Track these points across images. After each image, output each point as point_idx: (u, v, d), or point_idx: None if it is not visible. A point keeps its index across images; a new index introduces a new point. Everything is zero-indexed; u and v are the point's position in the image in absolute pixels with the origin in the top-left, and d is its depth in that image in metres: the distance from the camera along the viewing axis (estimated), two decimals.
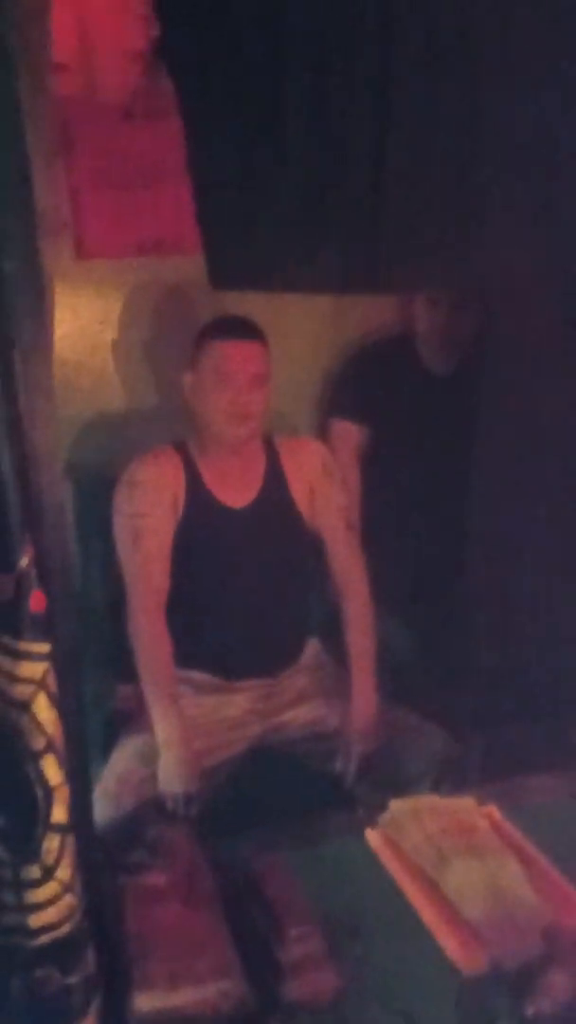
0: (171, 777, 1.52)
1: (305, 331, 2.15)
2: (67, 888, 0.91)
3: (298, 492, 1.72)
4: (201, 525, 1.66)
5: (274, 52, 1.18)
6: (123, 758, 1.59)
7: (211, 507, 1.67)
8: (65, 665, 0.92)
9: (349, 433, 2.08)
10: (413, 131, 1.20)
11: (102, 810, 1.47)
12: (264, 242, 1.26)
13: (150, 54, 1.85)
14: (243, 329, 1.64)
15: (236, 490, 1.69)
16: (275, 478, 1.72)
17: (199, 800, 1.51)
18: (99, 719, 1.80)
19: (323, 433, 2.11)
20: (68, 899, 0.92)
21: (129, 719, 1.69)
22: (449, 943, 1.05)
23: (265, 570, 1.68)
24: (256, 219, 1.26)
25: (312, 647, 1.80)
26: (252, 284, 1.37)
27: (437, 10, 1.17)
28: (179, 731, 1.55)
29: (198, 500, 1.66)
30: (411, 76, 1.19)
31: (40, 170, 0.95)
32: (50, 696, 0.90)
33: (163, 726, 1.55)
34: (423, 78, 1.19)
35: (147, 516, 1.63)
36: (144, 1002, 0.96)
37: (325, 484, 1.75)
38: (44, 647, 0.90)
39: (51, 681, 0.90)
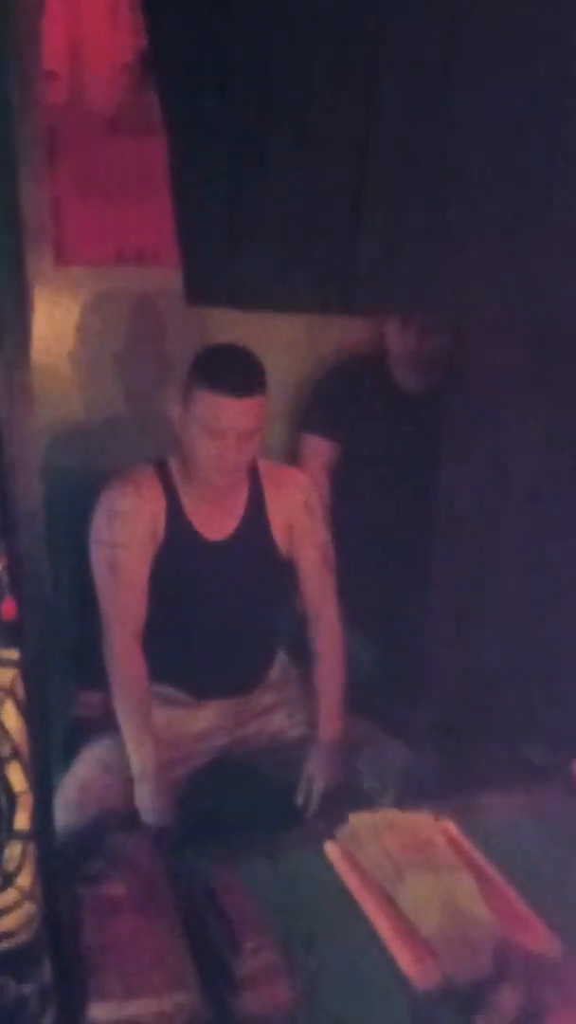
0: (147, 809, 1.51)
1: (280, 346, 2.17)
2: (27, 896, 0.91)
3: (277, 525, 1.69)
4: (179, 556, 1.62)
5: (259, 72, 1.20)
6: (85, 766, 1.58)
7: (190, 539, 1.63)
8: (33, 672, 0.93)
9: (320, 448, 2.10)
10: (393, 157, 1.23)
11: (63, 818, 1.46)
12: (241, 260, 1.27)
13: (139, 67, 1.87)
14: (240, 383, 1.50)
15: (216, 521, 1.65)
16: (256, 511, 1.68)
17: (171, 819, 1.52)
18: (60, 726, 1.79)
19: (294, 447, 2.13)
20: (27, 907, 0.91)
21: (91, 726, 1.69)
22: (403, 958, 1.06)
23: (238, 598, 1.67)
24: (234, 237, 1.27)
25: (280, 660, 1.81)
26: (227, 302, 1.37)
27: (421, 38, 1.19)
28: (153, 762, 1.54)
29: (178, 531, 1.62)
30: (393, 103, 1.21)
31: (27, 177, 0.95)
32: (17, 703, 0.90)
33: (138, 757, 1.54)
34: (405, 105, 1.22)
35: (126, 547, 1.58)
36: (99, 1013, 0.95)
37: (305, 519, 1.71)
38: (13, 654, 0.90)
39: (19, 688, 0.90)
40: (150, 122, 1.83)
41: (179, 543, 1.63)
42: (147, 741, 1.55)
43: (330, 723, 1.67)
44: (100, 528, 1.60)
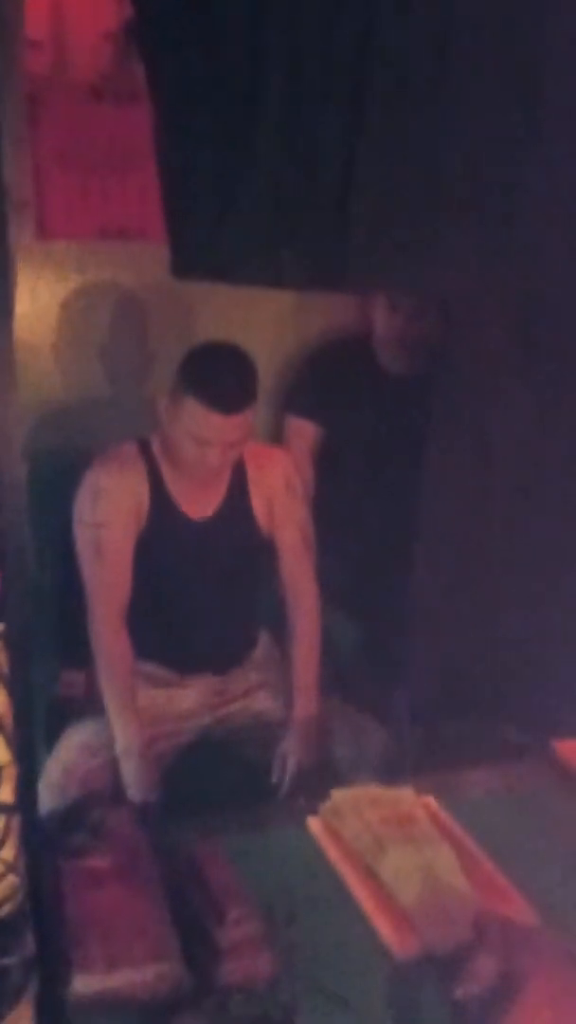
0: (131, 785, 1.53)
1: (266, 328, 2.17)
2: (10, 868, 0.91)
3: (258, 504, 1.70)
4: (163, 535, 1.63)
5: (248, 43, 1.18)
6: (69, 750, 1.58)
7: (174, 517, 1.64)
8: (16, 645, 0.92)
9: (304, 431, 2.11)
10: (384, 132, 1.22)
11: (47, 801, 1.47)
12: (228, 234, 1.26)
13: (123, 36, 1.84)
14: (230, 398, 1.48)
15: (199, 500, 1.66)
16: (238, 490, 1.69)
17: (158, 805, 1.53)
18: (42, 705, 1.79)
19: (279, 429, 2.13)
20: (10, 879, 0.91)
21: (74, 706, 1.69)
22: (384, 928, 1.08)
23: (220, 577, 1.69)
24: (222, 211, 1.26)
25: (262, 643, 1.82)
26: (213, 275, 1.36)
27: (413, 17, 1.18)
28: (138, 739, 1.55)
29: (161, 510, 1.63)
30: (385, 77, 1.20)
31: (7, 145, 0.94)
32: (1, 676, 0.90)
33: (122, 735, 1.55)
34: (396, 80, 1.21)
35: (110, 526, 1.59)
36: (82, 984, 0.96)
37: (286, 499, 1.73)
38: None
39: (3, 660, 0.90)
40: (135, 92, 1.82)
41: (163, 521, 1.63)
42: (132, 719, 1.56)
43: (304, 702, 1.69)
44: (84, 508, 1.60)
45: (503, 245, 1.31)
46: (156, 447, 1.64)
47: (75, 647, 1.70)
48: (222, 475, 1.67)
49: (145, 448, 1.64)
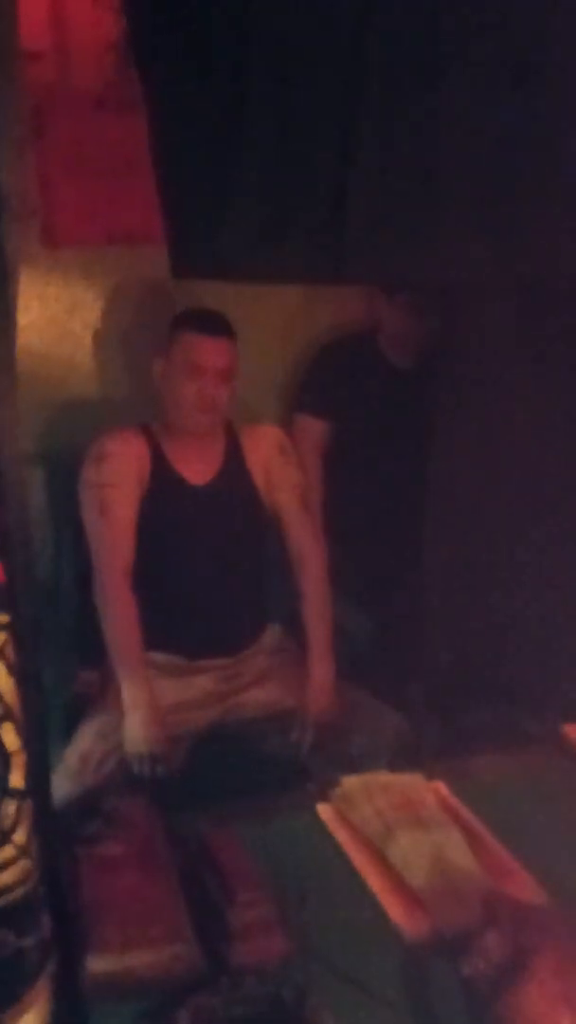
0: (136, 738, 1.57)
1: (273, 326, 2.19)
2: (23, 852, 0.93)
3: (255, 470, 1.79)
4: (165, 500, 1.71)
5: (240, 41, 1.20)
6: (85, 737, 1.62)
7: (174, 483, 1.72)
8: (25, 636, 0.95)
9: (312, 428, 2.12)
10: (379, 124, 1.23)
11: (64, 788, 1.51)
12: (227, 232, 1.28)
13: (124, 45, 1.87)
14: (214, 324, 1.69)
15: (198, 467, 1.75)
16: (234, 457, 1.78)
17: (165, 763, 1.56)
18: (60, 703, 1.82)
19: (288, 428, 2.14)
20: (24, 863, 0.94)
21: (90, 702, 1.72)
22: (394, 910, 1.09)
23: (224, 546, 1.74)
24: (219, 209, 1.28)
25: (273, 630, 1.84)
26: (213, 275, 1.39)
27: (407, 7, 1.20)
28: (145, 693, 1.60)
29: (162, 475, 1.72)
30: (378, 70, 1.22)
31: (9, 156, 0.97)
32: (8, 665, 0.92)
33: (129, 688, 1.60)
34: (390, 72, 1.22)
35: (114, 487, 1.68)
36: (97, 964, 0.98)
37: (280, 463, 1.81)
38: (4, 617, 0.92)
39: (10, 651, 0.93)
40: (137, 100, 1.84)
41: (164, 486, 1.71)
42: (138, 672, 1.62)
43: (320, 662, 1.73)
44: (89, 471, 1.70)
45: (502, 234, 1.32)
46: (155, 429, 1.76)
47: (91, 646, 1.73)
48: (217, 442, 1.77)
49: (145, 428, 1.77)
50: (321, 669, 1.73)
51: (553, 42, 1.23)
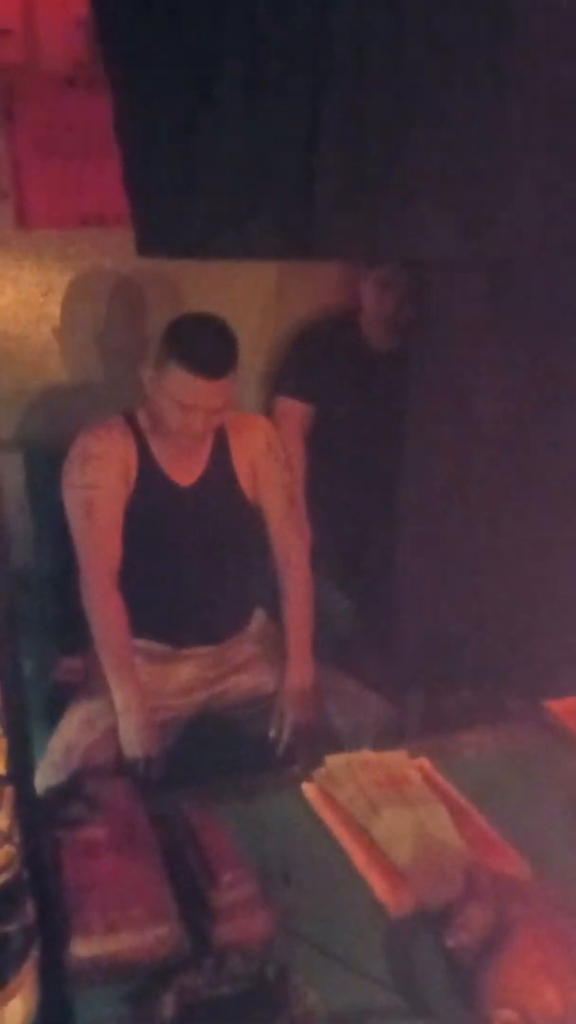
0: (131, 742, 1.56)
1: (251, 309, 2.17)
2: (5, 838, 0.93)
3: (241, 470, 1.73)
4: (151, 500, 1.66)
5: (207, 19, 1.18)
6: (70, 727, 1.61)
7: (160, 483, 1.67)
8: (2, 624, 0.94)
9: (293, 411, 2.11)
10: (347, 97, 1.21)
11: (49, 777, 1.50)
12: (193, 209, 1.26)
13: (93, 22, 1.83)
14: (211, 364, 1.51)
15: (184, 467, 1.69)
16: (221, 456, 1.72)
17: (159, 762, 1.55)
18: (43, 691, 1.81)
19: (268, 410, 2.14)
20: (6, 849, 0.93)
21: (74, 690, 1.71)
22: (378, 886, 1.10)
23: (210, 543, 1.71)
24: (185, 186, 1.26)
25: (258, 616, 1.84)
26: (180, 252, 1.36)
27: None
28: (136, 697, 1.58)
29: (148, 475, 1.66)
30: (346, 43, 1.20)
31: None
32: None
33: (121, 693, 1.58)
34: (358, 45, 1.20)
35: (100, 488, 1.62)
36: (82, 948, 0.98)
37: (267, 462, 1.75)
38: None
39: None
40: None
41: (150, 486, 1.66)
42: (129, 676, 1.59)
43: (299, 663, 1.72)
44: (73, 473, 1.64)
45: (472, 210, 1.31)
46: (142, 420, 1.68)
47: (74, 634, 1.72)
48: (205, 442, 1.70)
49: (131, 420, 1.69)
50: (299, 671, 1.71)
51: (519, 21, 1.22)
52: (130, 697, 1.58)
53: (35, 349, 2.04)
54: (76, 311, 2.05)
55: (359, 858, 1.14)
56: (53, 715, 1.68)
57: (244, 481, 1.73)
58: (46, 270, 2.01)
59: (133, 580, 1.65)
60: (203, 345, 1.53)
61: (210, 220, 1.22)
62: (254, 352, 2.19)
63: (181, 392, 1.53)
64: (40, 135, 1.91)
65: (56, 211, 1.95)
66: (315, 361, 2.12)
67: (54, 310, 2.03)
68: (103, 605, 1.62)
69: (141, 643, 1.69)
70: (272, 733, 1.67)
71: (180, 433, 1.60)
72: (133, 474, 1.65)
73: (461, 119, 1.25)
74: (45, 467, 1.77)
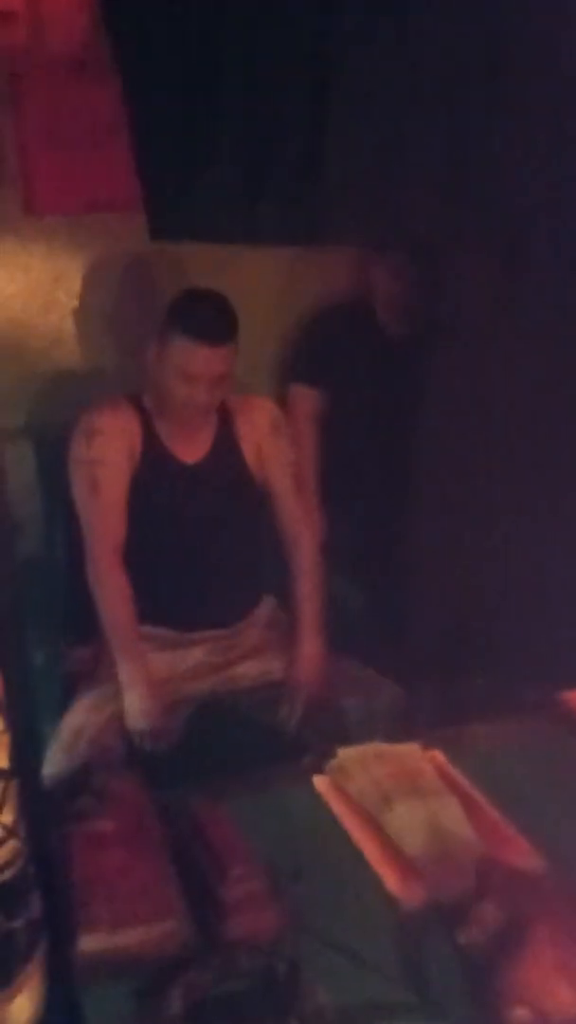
0: (136, 714, 1.56)
1: (262, 296, 2.15)
2: (11, 832, 0.92)
3: (247, 449, 1.74)
4: (156, 477, 1.67)
5: (213, 4, 1.16)
6: (79, 711, 1.62)
7: (166, 460, 1.68)
8: (5, 614, 0.93)
9: (306, 398, 2.10)
10: (353, 82, 1.20)
11: (58, 762, 1.51)
12: (201, 195, 1.25)
13: (99, 4, 1.81)
14: (213, 330, 1.55)
15: (189, 445, 1.70)
16: (226, 435, 1.73)
17: (166, 737, 1.56)
18: (52, 681, 1.81)
19: (281, 398, 2.11)
20: (12, 844, 0.93)
21: (83, 679, 1.71)
22: (390, 880, 1.08)
23: (217, 523, 1.71)
24: (195, 171, 1.25)
25: (267, 603, 1.83)
26: (189, 236, 1.36)
27: None
28: (142, 670, 1.59)
29: (154, 452, 1.67)
30: (351, 27, 1.18)
31: None
32: None
33: (126, 667, 1.59)
34: (364, 28, 1.18)
35: (105, 463, 1.64)
36: (89, 943, 0.97)
37: (273, 441, 1.76)
38: None
39: None
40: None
41: (155, 464, 1.67)
42: (134, 649, 1.60)
43: (309, 637, 1.71)
44: (79, 447, 1.65)
45: (477, 192, 1.28)
46: (146, 402, 1.70)
47: (82, 623, 1.72)
48: (209, 420, 1.71)
49: (135, 400, 1.71)
50: (309, 644, 1.71)
51: (524, 2, 1.19)
52: (135, 670, 1.58)
53: (45, 337, 2.03)
54: (86, 298, 2.03)
55: (371, 851, 1.13)
56: (64, 705, 1.68)
57: (250, 459, 1.74)
58: (55, 257, 2.00)
59: (140, 560, 1.65)
60: (204, 314, 1.58)
61: (217, 206, 1.21)
62: (266, 339, 2.17)
63: (185, 361, 1.56)
64: (48, 121, 1.89)
65: (64, 197, 1.93)
66: (327, 347, 2.10)
67: (64, 297, 2.02)
68: (108, 579, 1.63)
69: (149, 630, 1.69)
70: (283, 712, 1.66)
71: (185, 407, 1.61)
72: (138, 450, 1.66)
73: (466, 102, 1.23)
74: (54, 456, 1.77)
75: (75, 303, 2.03)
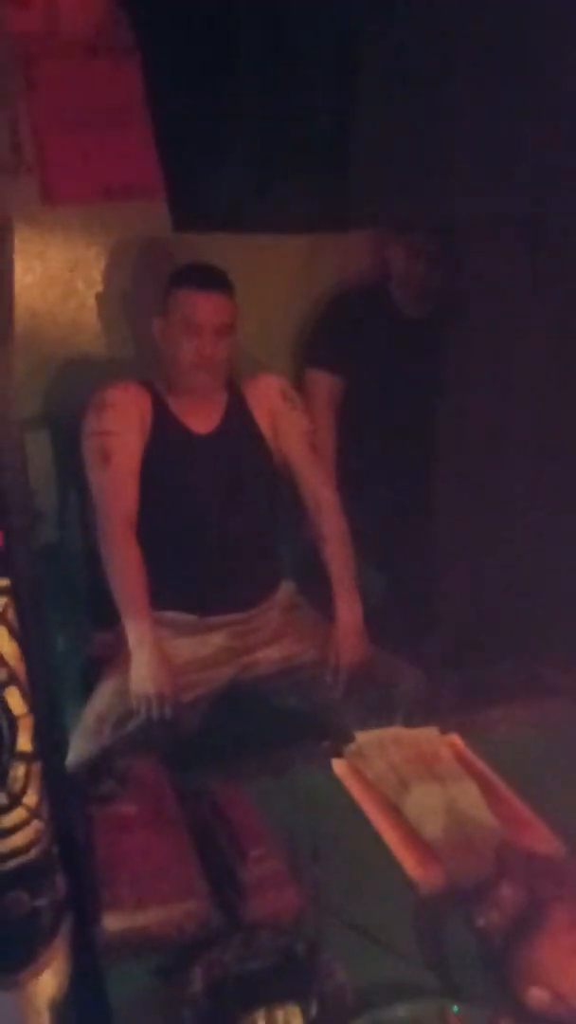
0: (142, 677, 1.56)
1: (278, 281, 2.14)
2: (34, 814, 0.94)
3: (261, 418, 1.77)
4: (168, 449, 1.70)
5: None
6: (103, 697, 1.63)
7: (177, 431, 1.71)
8: (26, 599, 0.94)
9: (324, 383, 2.09)
10: (378, 65, 1.18)
11: (82, 746, 1.52)
12: (227, 184, 1.25)
13: None
14: (211, 279, 1.67)
15: (201, 417, 1.73)
16: (237, 405, 1.76)
17: (174, 704, 1.56)
18: (77, 666, 1.83)
19: (299, 384, 2.11)
20: (36, 824, 0.94)
21: (107, 664, 1.72)
22: (408, 863, 1.09)
23: (233, 497, 1.72)
24: (219, 160, 1.24)
25: (287, 587, 1.83)
26: (215, 226, 1.35)
27: None
28: (150, 634, 1.60)
29: (164, 423, 1.71)
30: (377, 13, 1.16)
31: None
32: (10, 629, 0.91)
33: (134, 631, 1.60)
34: (389, 16, 1.17)
35: (116, 434, 1.66)
36: (112, 922, 0.99)
37: (286, 409, 1.79)
38: (4, 581, 0.91)
39: (11, 615, 0.92)
40: (130, 46, 1.77)
41: (167, 435, 1.70)
42: (142, 614, 1.61)
43: (347, 603, 1.72)
44: (91, 420, 1.69)
45: (506, 172, 1.27)
46: (157, 384, 1.75)
47: (105, 609, 1.73)
48: (219, 394, 1.75)
49: (146, 382, 1.76)
50: (348, 611, 1.71)
51: None
52: (143, 635, 1.59)
53: (63, 325, 2.03)
54: (103, 286, 2.04)
55: (389, 834, 1.14)
56: (88, 690, 1.70)
57: (264, 428, 1.77)
58: (73, 245, 2.00)
59: (155, 539, 1.66)
60: (198, 268, 1.71)
61: (243, 195, 1.20)
62: (283, 323, 2.17)
63: (187, 310, 1.65)
64: (62, 106, 1.88)
65: (81, 185, 1.93)
66: (345, 331, 2.09)
67: (82, 285, 2.02)
68: (118, 549, 1.64)
69: (167, 615, 1.70)
70: (328, 678, 1.67)
71: (194, 368, 1.66)
72: (149, 422, 1.70)
73: (494, 82, 1.21)
74: (72, 443, 1.78)
75: (93, 291, 2.03)
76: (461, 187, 1.27)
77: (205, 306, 1.65)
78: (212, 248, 2.00)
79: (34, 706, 0.94)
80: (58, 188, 1.92)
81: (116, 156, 1.93)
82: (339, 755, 1.29)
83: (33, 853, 0.94)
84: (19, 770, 0.92)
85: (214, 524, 1.71)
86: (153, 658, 1.58)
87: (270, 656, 1.73)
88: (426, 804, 1.15)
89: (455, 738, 1.31)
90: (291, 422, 1.78)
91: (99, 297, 2.04)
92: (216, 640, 1.72)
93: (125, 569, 1.63)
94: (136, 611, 1.61)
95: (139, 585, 1.63)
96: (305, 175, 1.24)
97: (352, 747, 1.30)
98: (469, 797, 1.16)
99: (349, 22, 1.17)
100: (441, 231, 1.93)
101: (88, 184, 1.94)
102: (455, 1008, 0.88)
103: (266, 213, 1.28)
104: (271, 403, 1.78)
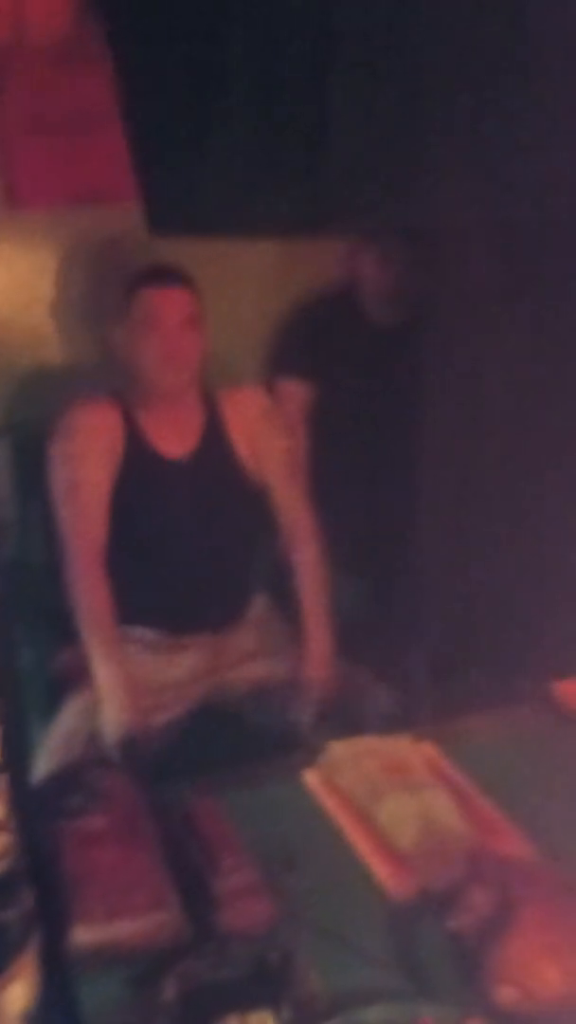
0: (112, 722, 1.52)
1: (248, 287, 2.13)
2: (2, 826, 0.92)
3: (239, 440, 1.70)
4: (140, 476, 1.63)
5: None
6: (68, 716, 1.59)
7: (150, 457, 1.64)
8: None
9: (295, 392, 2.08)
10: (355, 69, 1.18)
11: (46, 766, 1.48)
12: (202, 187, 1.24)
13: None
14: (171, 276, 1.64)
15: (175, 439, 1.67)
16: (215, 427, 1.69)
17: (143, 747, 1.52)
18: (42, 681, 1.79)
19: (269, 390, 2.10)
20: (3, 837, 0.93)
21: (73, 680, 1.69)
22: (380, 870, 1.09)
23: (206, 521, 1.67)
24: (193, 163, 1.23)
25: (259, 603, 1.80)
26: (190, 231, 1.34)
27: None
28: (120, 678, 1.55)
29: (136, 449, 1.64)
30: (355, 10, 1.17)
31: None
32: None
33: (103, 673, 1.55)
34: (367, 12, 1.17)
35: (84, 464, 1.60)
36: (82, 935, 0.97)
37: (266, 428, 1.73)
38: None
39: None
40: (99, 53, 1.76)
41: (139, 461, 1.64)
42: (112, 657, 1.56)
43: (317, 634, 1.68)
44: (57, 448, 1.63)
45: (485, 177, 1.27)
46: (127, 396, 1.69)
47: (70, 623, 1.70)
48: (195, 413, 1.68)
49: (116, 396, 1.69)
50: (319, 641, 1.68)
51: None
52: (112, 677, 1.54)
53: (28, 332, 2.01)
54: (70, 293, 2.02)
55: (361, 844, 1.13)
56: (52, 705, 1.67)
57: (243, 451, 1.70)
58: (39, 251, 1.98)
59: (125, 561, 1.62)
60: (155, 269, 1.67)
61: (218, 199, 1.19)
62: (251, 330, 2.16)
63: (147, 307, 1.61)
64: (29, 112, 1.87)
65: (47, 190, 1.92)
66: (315, 339, 2.08)
67: (47, 291, 2.00)
68: (85, 584, 1.59)
69: (137, 631, 1.67)
70: (292, 715, 1.62)
71: (162, 371, 1.60)
72: (120, 448, 1.63)
73: (474, 83, 1.21)
74: (37, 454, 1.75)
75: (59, 298, 2.02)
76: (440, 193, 1.28)
77: (164, 301, 1.62)
78: (180, 252, 2.01)
79: (1, 719, 0.92)
80: (24, 194, 1.91)
81: (83, 162, 1.92)
82: (312, 765, 1.29)
83: (1, 866, 0.93)
84: None
85: (185, 550, 1.66)
86: (124, 705, 1.53)
87: (243, 675, 1.70)
88: (399, 813, 1.15)
89: (428, 746, 1.31)
90: (271, 441, 1.73)
91: (66, 304, 2.02)
92: (187, 660, 1.68)
93: (92, 607, 1.59)
94: (104, 653, 1.56)
95: (107, 625, 1.59)
96: (282, 180, 1.23)
97: (325, 756, 1.29)
98: (441, 805, 1.16)
99: (328, 25, 1.17)
100: (412, 237, 1.93)
101: (55, 190, 1.93)
102: (427, 1011, 0.88)
103: (242, 218, 1.28)
104: (251, 423, 1.72)
